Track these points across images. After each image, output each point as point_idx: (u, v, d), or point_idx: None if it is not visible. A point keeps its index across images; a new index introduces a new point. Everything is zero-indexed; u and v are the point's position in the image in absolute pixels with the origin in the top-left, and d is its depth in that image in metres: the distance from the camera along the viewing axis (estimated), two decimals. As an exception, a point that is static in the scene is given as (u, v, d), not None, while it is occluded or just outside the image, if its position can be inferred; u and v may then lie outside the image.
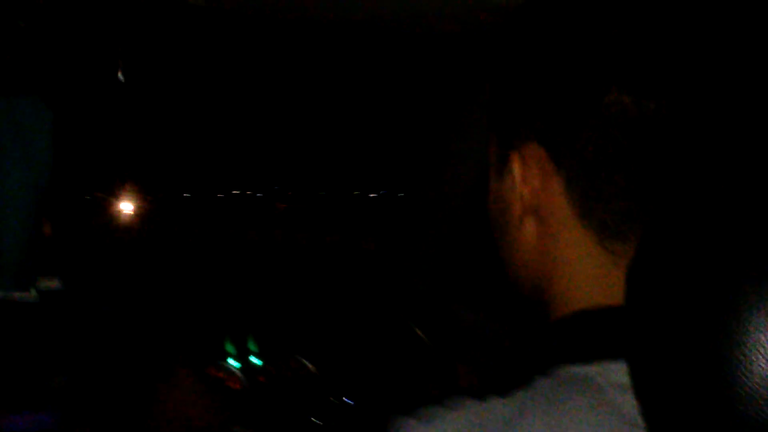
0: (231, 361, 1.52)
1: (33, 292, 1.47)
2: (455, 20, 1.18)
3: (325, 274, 1.89)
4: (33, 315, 1.48)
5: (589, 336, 0.64)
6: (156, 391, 1.24)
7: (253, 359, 1.57)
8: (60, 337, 1.47)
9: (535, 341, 0.69)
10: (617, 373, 0.58)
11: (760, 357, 0.44)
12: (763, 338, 0.44)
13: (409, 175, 1.86)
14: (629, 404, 0.56)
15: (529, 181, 0.68)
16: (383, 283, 1.89)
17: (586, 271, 0.67)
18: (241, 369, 1.51)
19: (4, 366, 1.40)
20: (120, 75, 1.66)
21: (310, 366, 1.59)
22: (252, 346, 1.58)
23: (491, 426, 0.58)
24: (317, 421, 1.54)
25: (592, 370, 0.60)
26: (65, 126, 1.49)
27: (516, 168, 0.69)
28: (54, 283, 1.49)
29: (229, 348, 1.54)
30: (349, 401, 1.59)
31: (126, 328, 1.52)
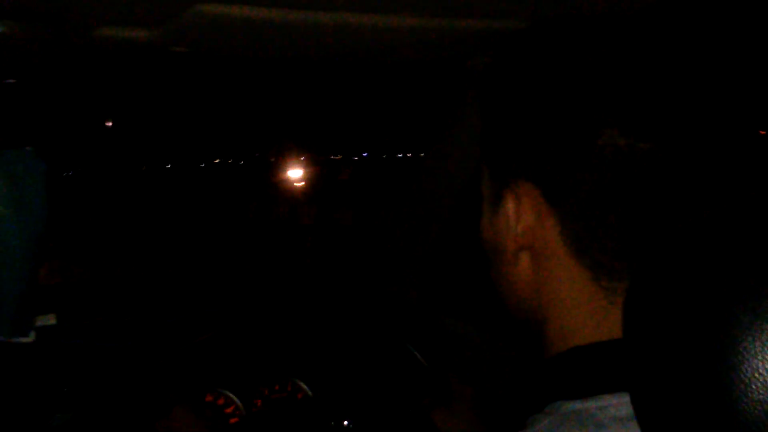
0: (227, 390, 1.53)
1: (32, 336, 1.50)
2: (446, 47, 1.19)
3: (317, 292, 1.91)
4: (32, 355, 1.51)
5: (585, 371, 0.65)
6: (155, 429, 1.25)
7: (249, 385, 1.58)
8: (60, 375, 1.50)
9: (533, 376, 0.71)
10: (616, 407, 0.61)
11: (757, 382, 0.45)
12: (758, 364, 0.45)
13: (401, 181, 1.87)
14: None
15: (523, 219, 0.69)
16: (374, 297, 1.91)
17: (581, 307, 0.68)
18: (237, 395, 1.52)
19: (7, 405, 1.44)
20: (109, 123, 1.72)
21: (305, 388, 1.61)
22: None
23: None
24: None
25: (591, 405, 0.62)
26: (58, 175, 1.53)
27: (510, 206, 0.70)
28: (51, 320, 1.52)
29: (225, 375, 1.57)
30: (348, 423, 1.61)
31: (123, 363, 1.54)
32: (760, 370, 0.45)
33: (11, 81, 1.53)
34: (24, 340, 1.49)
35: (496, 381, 1.60)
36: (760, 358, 0.45)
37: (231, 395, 1.52)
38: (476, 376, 1.62)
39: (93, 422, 1.47)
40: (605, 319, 0.66)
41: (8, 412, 1.44)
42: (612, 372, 0.62)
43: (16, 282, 1.48)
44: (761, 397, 0.45)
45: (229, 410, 1.52)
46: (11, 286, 1.48)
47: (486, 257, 0.77)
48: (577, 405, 0.62)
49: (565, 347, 0.67)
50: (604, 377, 0.63)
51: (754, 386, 0.45)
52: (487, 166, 0.75)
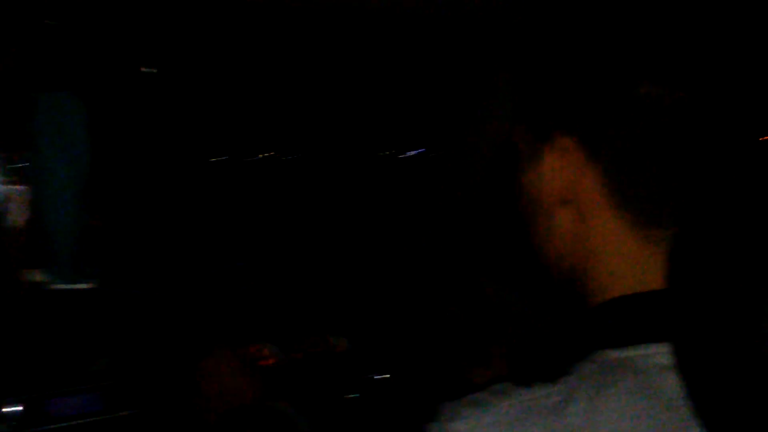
0: (266, 343, 1.56)
1: (90, 282, 1.52)
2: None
3: (359, 250, 1.92)
4: (78, 301, 1.53)
5: (628, 320, 0.65)
6: (196, 368, 1.27)
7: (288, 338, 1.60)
8: (101, 322, 1.52)
9: (575, 327, 0.71)
10: (659, 355, 0.60)
11: None
12: None
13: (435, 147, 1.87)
14: (669, 386, 0.58)
15: (563, 172, 0.69)
16: (416, 259, 1.91)
17: (621, 257, 0.68)
18: (277, 347, 1.55)
19: (50, 351, 1.46)
20: (150, 68, 1.70)
21: (344, 343, 1.63)
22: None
23: (540, 413, 0.60)
24: (353, 397, 1.57)
25: (633, 353, 0.62)
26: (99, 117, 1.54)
27: (550, 160, 0.70)
28: (93, 270, 1.54)
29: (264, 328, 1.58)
30: (385, 377, 1.62)
31: (165, 312, 1.57)
32: None
33: (52, 23, 1.52)
34: (83, 286, 1.52)
35: (534, 341, 1.59)
36: None
37: (272, 346, 1.54)
38: (515, 336, 1.62)
39: (133, 366, 1.49)
40: (647, 268, 0.66)
41: (53, 354, 1.46)
42: (655, 321, 0.62)
43: (69, 223, 1.51)
44: None
45: (269, 362, 1.54)
46: (66, 231, 1.51)
47: (523, 216, 0.77)
48: (620, 353, 0.63)
49: (607, 297, 0.68)
50: (647, 327, 0.63)
51: None
52: (525, 124, 0.75)
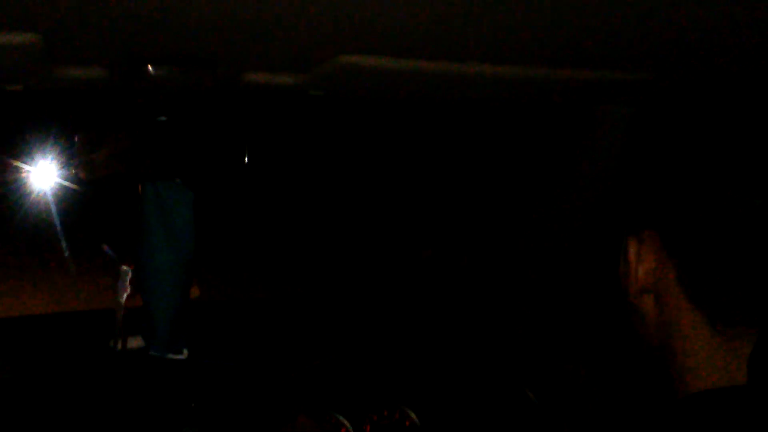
0: (340, 414, 1.59)
1: (185, 353, 1.61)
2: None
3: (436, 326, 1.94)
4: (173, 371, 1.61)
5: (710, 417, 0.67)
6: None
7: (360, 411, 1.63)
8: (192, 390, 1.60)
9: (662, 416, 0.73)
10: None
11: None
12: None
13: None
14: None
15: (644, 262, 0.75)
16: (493, 336, 1.92)
17: (701, 349, 0.71)
18: (348, 419, 1.59)
19: (145, 419, 1.54)
20: (246, 158, 1.82)
21: (414, 417, 1.65)
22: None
23: None
24: None
25: None
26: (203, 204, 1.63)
27: (633, 249, 0.76)
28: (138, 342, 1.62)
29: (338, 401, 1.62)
30: None
31: (251, 382, 1.63)
32: None
33: (163, 118, 1.66)
34: (177, 356, 1.60)
35: (609, 426, 1.57)
36: None
37: (342, 419, 1.58)
38: (589, 420, 1.61)
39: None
40: (721, 360, 0.69)
41: (142, 424, 1.53)
42: (735, 418, 0.65)
43: (169, 302, 1.60)
44: None
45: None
46: (165, 306, 1.60)
47: (621, 300, 0.82)
48: None
49: (687, 387, 0.71)
50: (727, 424, 0.65)
51: None
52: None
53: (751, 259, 0.68)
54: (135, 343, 1.63)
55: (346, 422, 1.58)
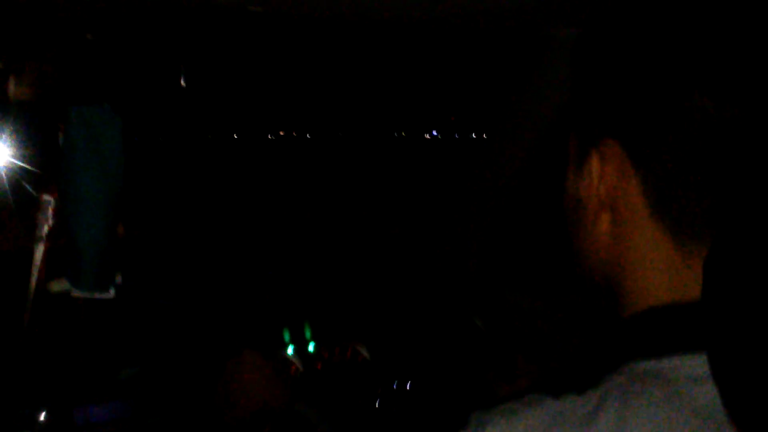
0: (289, 350, 1.58)
1: (112, 291, 1.53)
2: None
3: (381, 261, 1.93)
4: (106, 311, 1.55)
5: (660, 332, 0.66)
6: (224, 370, 1.28)
7: (310, 347, 1.62)
8: (129, 330, 1.55)
9: (606, 337, 0.71)
10: (690, 366, 0.61)
11: None
12: None
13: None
14: (703, 396, 0.59)
15: (606, 178, 0.70)
16: (440, 269, 1.91)
17: (658, 268, 0.68)
18: (298, 357, 1.56)
19: (80, 360, 1.49)
20: (182, 81, 1.73)
21: (365, 353, 1.64)
22: (308, 334, 1.64)
23: (570, 423, 0.61)
24: (374, 406, 1.58)
25: (665, 365, 0.62)
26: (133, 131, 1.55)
27: (594, 165, 0.71)
28: (118, 278, 1.55)
29: (287, 337, 1.60)
30: (405, 385, 1.63)
31: (191, 320, 1.59)
32: None
33: (89, 37, 1.56)
34: (104, 296, 1.53)
35: (561, 355, 1.59)
36: None
37: (292, 357, 1.56)
38: (541, 351, 1.62)
39: (162, 372, 1.52)
40: (682, 280, 0.66)
41: (79, 364, 1.48)
42: (687, 333, 0.63)
43: (97, 236, 1.51)
44: None
45: (293, 368, 1.56)
46: (92, 241, 1.51)
47: (564, 219, 0.78)
48: (651, 364, 0.63)
49: (641, 308, 0.68)
50: (679, 338, 0.63)
51: None
52: (574, 131, 0.76)
53: (720, 167, 0.64)
54: (59, 286, 1.55)
55: (295, 360, 1.55)
